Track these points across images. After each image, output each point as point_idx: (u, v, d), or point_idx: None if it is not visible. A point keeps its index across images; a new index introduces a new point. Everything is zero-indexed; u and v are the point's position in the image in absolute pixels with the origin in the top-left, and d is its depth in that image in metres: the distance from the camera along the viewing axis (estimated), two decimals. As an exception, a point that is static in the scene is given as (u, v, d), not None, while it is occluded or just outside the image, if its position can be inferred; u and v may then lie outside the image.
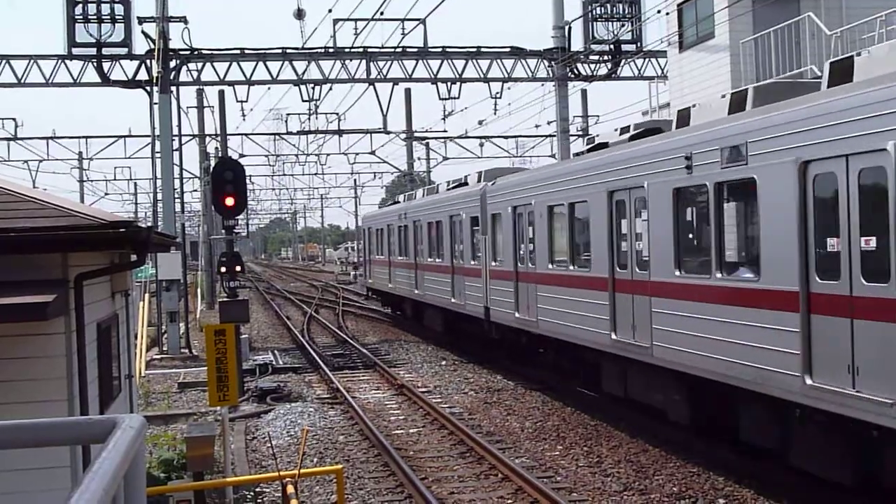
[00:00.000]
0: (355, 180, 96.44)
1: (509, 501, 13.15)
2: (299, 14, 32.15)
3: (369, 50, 33.79)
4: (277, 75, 33.78)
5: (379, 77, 34.53)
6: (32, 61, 32.34)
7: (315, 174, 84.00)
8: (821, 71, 20.18)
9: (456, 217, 27.91)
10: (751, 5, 23.42)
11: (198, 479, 10.57)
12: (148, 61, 31.50)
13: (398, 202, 39.33)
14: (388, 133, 48.51)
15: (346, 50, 33.39)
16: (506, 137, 55.62)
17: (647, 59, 35.22)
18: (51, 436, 2.48)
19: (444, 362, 27.39)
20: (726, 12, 23.59)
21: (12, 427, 2.51)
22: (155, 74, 30.98)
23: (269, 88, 36.74)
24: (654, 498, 12.90)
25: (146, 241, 9.29)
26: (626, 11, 33.39)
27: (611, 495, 13.13)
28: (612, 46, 33.59)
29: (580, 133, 49.32)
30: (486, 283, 24.66)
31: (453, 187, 30.77)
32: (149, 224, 23.59)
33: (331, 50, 33.37)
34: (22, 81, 32.33)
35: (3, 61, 32.32)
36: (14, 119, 47.43)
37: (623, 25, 33.32)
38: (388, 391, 22.92)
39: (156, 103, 31.45)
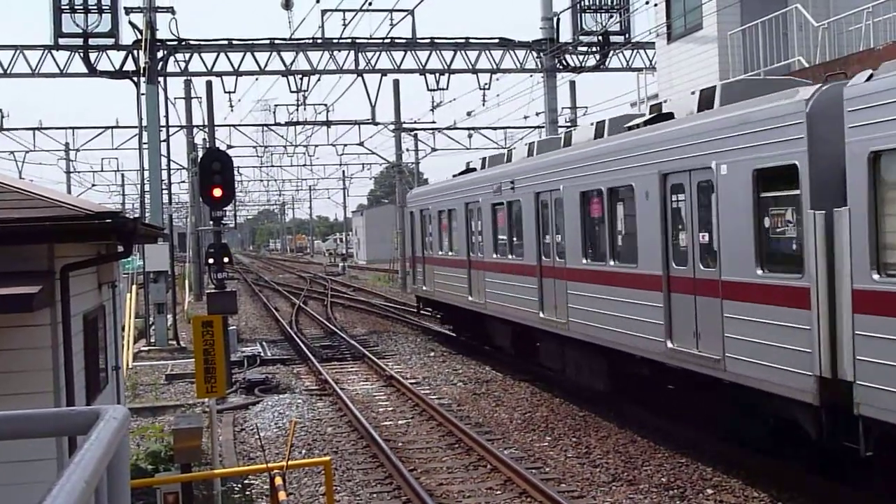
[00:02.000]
0: (343, 171, 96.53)
1: (498, 493, 13.15)
2: (287, 4, 32.05)
3: (357, 41, 33.73)
4: (265, 66, 33.68)
5: (367, 68, 34.46)
6: (19, 51, 32.18)
7: (303, 165, 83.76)
8: (808, 63, 20.22)
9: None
10: (739, -4, 23.40)
11: (185, 470, 10.53)
12: (135, 52, 31.34)
13: (474, 170, 26.24)
14: (377, 124, 48.50)
15: (335, 41, 33.32)
16: (494, 129, 55.57)
17: (635, 51, 35.24)
18: (33, 427, 2.44)
19: (432, 353, 27.38)
20: (714, 3, 23.58)
21: (-5, 419, 2.47)
22: (142, 65, 30.83)
23: (256, 79, 36.69)
24: (642, 488, 12.91)
25: (133, 232, 9.22)
26: (615, 2, 33.33)
27: (599, 486, 13.14)
28: (600, 38, 33.56)
29: (568, 124, 49.28)
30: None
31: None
32: (136, 215, 23.50)
33: (319, 41, 33.29)
34: (8, 72, 32.16)
35: (-11, 52, 32.16)
36: (0, 110, 47.29)
37: (611, 16, 33.28)
38: (376, 382, 22.90)
39: (143, 94, 31.29)
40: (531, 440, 16.17)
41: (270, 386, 22.36)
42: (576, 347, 18.19)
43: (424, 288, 30.38)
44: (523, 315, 20.36)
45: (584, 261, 17.10)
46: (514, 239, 21.20)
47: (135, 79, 31.38)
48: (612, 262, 16.04)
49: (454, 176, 28.50)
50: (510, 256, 21.37)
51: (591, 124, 18.47)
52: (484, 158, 26.27)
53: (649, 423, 16.39)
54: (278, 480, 9.78)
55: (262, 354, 27.47)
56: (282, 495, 9.39)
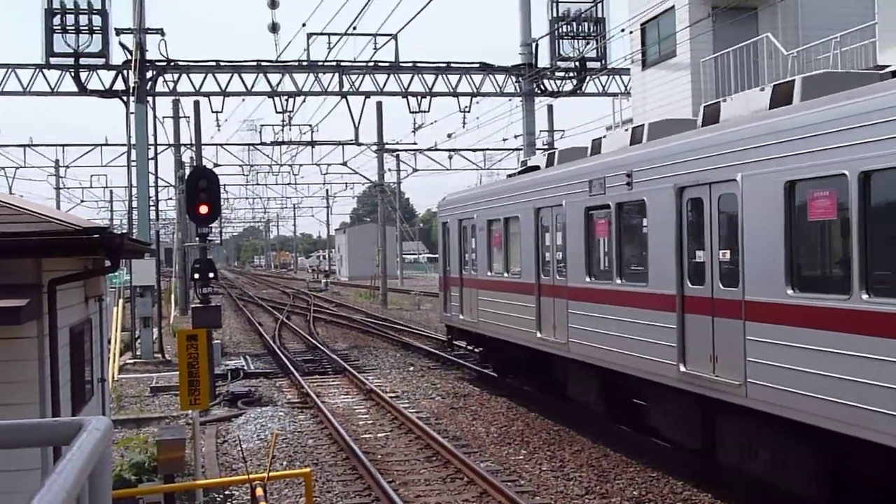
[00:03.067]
0: (327, 190, 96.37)
1: (474, 504, 13.12)
2: (274, 28, 32.03)
3: (342, 64, 33.76)
4: (252, 87, 33.66)
5: (351, 90, 34.50)
6: (10, 70, 32.05)
7: (288, 184, 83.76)
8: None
9: None
10: (711, 25, 23.60)
11: (168, 481, 10.46)
12: (125, 72, 31.27)
13: (536, 168, 20.82)
14: (360, 145, 48.31)
15: (320, 63, 33.33)
16: (474, 150, 55.75)
17: (611, 76, 35.43)
18: (16, 438, 2.42)
19: (411, 368, 27.32)
20: (688, 32, 23.76)
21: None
22: (132, 85, 30.75)
23: (243, 100, 36.56)
24: (614, 502, 12.90)
25: (119, 247, 9.18)
26: (592, 30, 33.58)
27: (573, 499, 13.12)
28: (577, 63, 33.77)
29: (545, 147, 49.33)
30: None
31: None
32: (123, 231, 23.38)
33: (304, 63, 33.30)
34: (0, 90, 32.02)
35: (-19, 70, 32.01)
36: (-9, 127, 47.01)
37: (588, 43, 33.51)
38: (357, 396, 22.82)
39: (132, 113, 31.19)
40: (507, 453, 16.13)
41: (253, 399, 22.24)
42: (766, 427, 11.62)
43: (462, 317, 23.61)
44: (644, 366, 14.09)
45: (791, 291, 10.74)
46: (628, 256, 15.33)
47: (124, 98, 31.29)
48: None
49: (510, 176, 23.66)
50: (619, 281, 15.04)
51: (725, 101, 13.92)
52: (551, 153, 21.27)
53: (622, 437, 16.40)
54: (259, 491, 9.73)
55: (245, 368, 27.32)
56: (262, 506, 9.33)
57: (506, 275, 20.82)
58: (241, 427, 19.42)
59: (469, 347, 25.70)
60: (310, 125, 48.87)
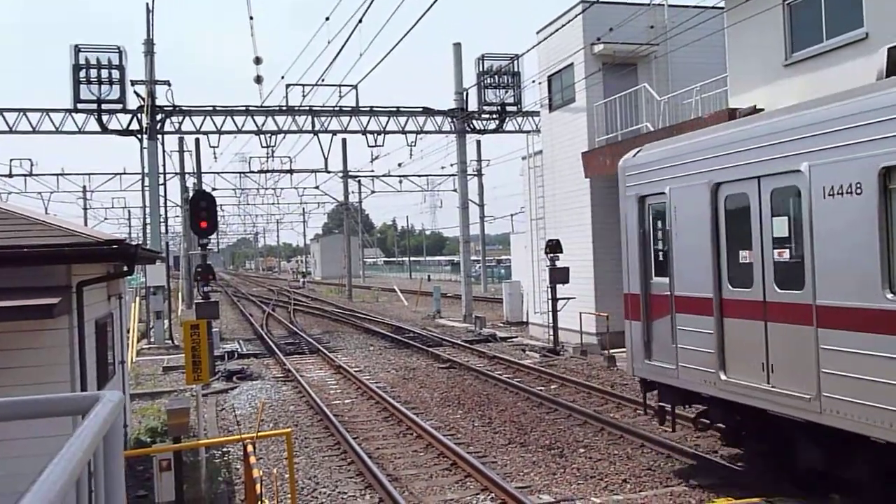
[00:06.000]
0: (303, 208, 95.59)
1: (422, 454, 13.07)
2: (258, 80, 31.63)
3: (314, 108, 33.50)
4: (242, 126, 33.26)
5: (321, 129, 34.23)
6: (45, 114, 31.30)
7: (272, 203, 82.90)
8: (653, 127, 20.66)
9: None
10: (601, 77, 23.87)
11: (176, 441, 10.27)
12: (139, 115, 30.71)
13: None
14: (329, 172, 48.04)
15: (296, 108, 33.05)
16: (419, 176, 55.77)
17: (525, 117, 35.61)
18: (47, 409, 2.38)
19: (372, 348, 27.18)
20: (584, 82, 24.00)
21: (16, 403, 2.41)
22: (144, 125, 30.24)
23: (235, 137, 36.12)
24: (531, 448, 12.95)
25: (134, 255, 9.01)
26: (510, 81, 33.77)
27: (498, 447, 13.15)
28: (499, 108, 33.92)
29: (475, 173, 49.47)
30: None
31: None
32: (139, 242, 22.95)
33: (283, 108, 32.99)
34: (36, 130, 31.23)
35: (21, 113, 31.22)
36: (30, 159, 46.05)
37: (507, 91, 33.71)
38: (328, 371, 22.64)
39: (145, 148, 30.67)
40: (447, 413, 16.12)
41: (245, 375, 21.96)
42: None
43: (669, 367, 10.59)
44: None
45: None
46: None
47: (139, 136, 30.76)
48: None
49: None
50: None
51: None
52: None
53: (535, 399, 16.50)
54: (250, 448, 9.60)
55: (238, 350, 26.97)
56: (252, 459, 9.21)
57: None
58: (235, 397, 19.16)
59: (697, 416, 10.77)
60: (289, 157, 48.93)
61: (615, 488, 10.61)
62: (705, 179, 9.83)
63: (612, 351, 21.47)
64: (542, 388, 17.88)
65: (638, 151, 11.60)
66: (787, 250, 8.75)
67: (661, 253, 11.04)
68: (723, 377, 9.66)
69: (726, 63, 17.49)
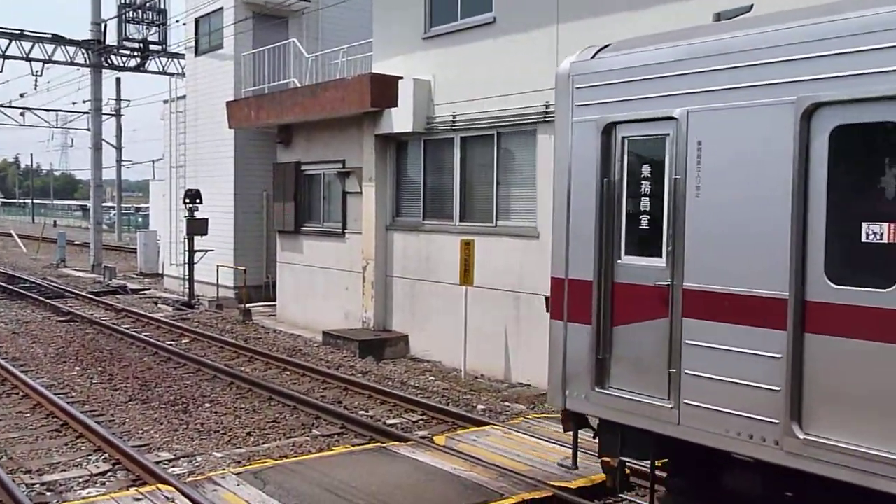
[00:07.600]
0: None
1: (28, 415, 11.85)
2: None
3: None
4: None
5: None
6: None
7: None
8: (300, 83, 20.62)
9: None
10: (252, 26, 23.28)
11: None
12: None
13: None
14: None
15: None
16: (47, 111, 50.24)
17: (170, 59, 33.69)
18: None
19: (-22, 299, 24.15)
20: (233, 28, 23.24)
21: None
22: None
23: None
24: (154, 405, 12.36)
25: None
26: (155, 18, 31.64)
27: (118, 405, 12.36)
28: (141, 45, 31.67)
29: (113, 112, 45.97)
30: None
31: None
32: None
33: None
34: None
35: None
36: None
37: (150, 28, 31.55)
38: (-81, 324, 19.66)
39: None
40: (62, 370, 14.80)
41: None
42: None
43: (660, 403, 6.22)
44: None
45: None
46: None
47: None
48: None
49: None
50: None
51: None
52: None
53: (163, 353, 15.83)
54: None
55: None
56: None
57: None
58: None
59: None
60: None
61: (238, 442, 10.52)
62: (789, 95, 5.52)
63: (248, 305, 21.31)
64: (173, 342, 17.19)
65: (603, 48, 6.96)
66: None
67: (645, 217, 6.57)
68: (800, 435, 5.43)
69: (373, 29, 17.93)
